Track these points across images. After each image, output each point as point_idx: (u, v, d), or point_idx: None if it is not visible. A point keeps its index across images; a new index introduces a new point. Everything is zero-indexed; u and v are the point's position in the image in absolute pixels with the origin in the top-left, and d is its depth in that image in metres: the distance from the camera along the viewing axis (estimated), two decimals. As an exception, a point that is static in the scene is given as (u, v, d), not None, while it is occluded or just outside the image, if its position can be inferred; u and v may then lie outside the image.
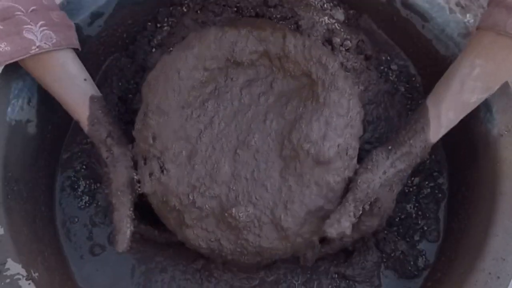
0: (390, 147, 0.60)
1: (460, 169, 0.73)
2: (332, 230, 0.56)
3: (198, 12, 0.74)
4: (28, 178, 0.67)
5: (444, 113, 0.59)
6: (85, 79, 0.63)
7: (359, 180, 0.58)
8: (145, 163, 0.62)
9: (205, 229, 0.60)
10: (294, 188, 0.59)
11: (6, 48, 0.56)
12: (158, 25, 0.78)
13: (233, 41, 0.61)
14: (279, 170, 0.59)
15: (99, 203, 0.74)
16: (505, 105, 0.65)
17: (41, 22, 0.57)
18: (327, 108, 0.59)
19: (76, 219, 0.73)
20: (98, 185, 0.75)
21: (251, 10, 0.72)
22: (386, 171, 0.59)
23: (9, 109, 0.64)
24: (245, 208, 0.58)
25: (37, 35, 0.56)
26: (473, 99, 0.59)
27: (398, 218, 0.73)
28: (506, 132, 0.64)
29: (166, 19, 0.77)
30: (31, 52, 0.56)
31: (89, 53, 0.74)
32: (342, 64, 0.69)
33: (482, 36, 0.57)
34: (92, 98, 0.62)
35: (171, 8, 0.77)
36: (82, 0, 0.71)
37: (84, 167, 0.76)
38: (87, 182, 0.75)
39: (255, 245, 0.60)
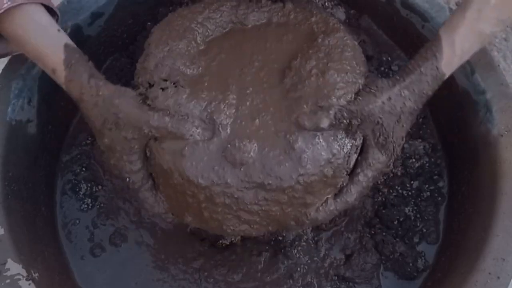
0: (397, 77, 0.58)
1: (460, 169, 0.73)
2: (305, 117, 0.55)
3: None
4: (28, 178, 0.67)
5: (458, 41, 0.57)
6: (58, 30, 0.59)
7: (359, 97, 0.57)
8: (151, 87, 0.58)
9: (209, 161, 0.54)
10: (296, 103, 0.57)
11: None
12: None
13: (235, 5, 0.64)
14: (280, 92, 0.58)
15: (101, 205, 0.74)
16: (505, 105, 0.65)
17: None
18: (324, 47, 0.60)
19: (77, 221, 0.73)
20: (100, 187, 0.75)
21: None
22: (392, 98, 0.57)
23: (9, 109, 0.64)
24: (249, 142, 0.54)
25: None
26: (487, 30, 0.58)
27: (396, 221, 0.73)
28: (506, 132, 0.64)
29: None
30: (4, 6, 0.54)
31: (89, 53, 0.74)
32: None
33: None
34: (67, 45, 0.58)
35: (170, 8, 0.77)
36: (82, 0, 0.71)
37: (84, 169, 0.75)
38: (88, 184, 0.75)
39: (262, 182, 0.54)
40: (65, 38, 0.59)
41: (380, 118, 0.56)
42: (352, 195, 0.59)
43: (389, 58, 0.78)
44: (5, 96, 0.64)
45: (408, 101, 0.57)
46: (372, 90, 0.57)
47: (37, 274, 0.60)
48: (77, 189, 0.74)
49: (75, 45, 0.59)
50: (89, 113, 0.57)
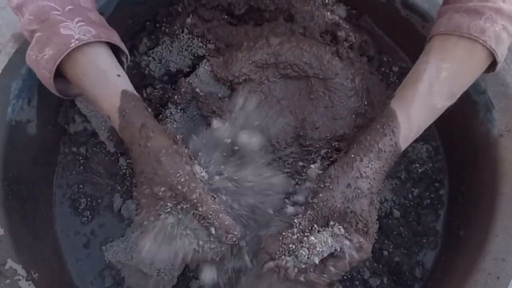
0: (353, 156, 0.54)
1: (460, 169, 0.73)
2: (269, 247, 0.52)
3: (190, 15, 0.74)
4: (28, 178, 0.67)
5: (415, 117, 0.55)
6: (118, 75, 0.57)
7: (315, 199, 0.52)
8: None
9: None
10: None
11: (49, 52, 0.54)
12: (157, 25, 0.78)
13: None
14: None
15: (100, 213, 0.74)
16: (505, 105, 0.65)
17: (77, 19, 0.55)
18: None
19: (77, 232, 0.73)
20: (99, 201, 0.74)
21: (245, 5, 0.72)
22: (352, 184, 0.52)
23: (9, 109, 0.64)
24: None
25: (74, 30, 0.54)
26: (439, 105, 0.56)
27: (396, 231, 0.73)
28: (506, 132, 0.64)
29: (165, 19, 0.77)
30: (71, 46, 0.53)
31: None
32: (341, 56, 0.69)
33: (445, 40, 0.57)
34: (125, 92, 0.56)
35: (170, 8, 0.77)
36: (82, 0, 0.71)
37: (81, 186, 0.75)
38: (88, 199, 0.74)
39: None
40: (124, 84, 0.57)
41: (348, 207, 0.52)
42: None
43: (390, 59, 0.78)
44: (5, 96, 0.64)
45: (373, 181, 0.53)
46: (327, 184, 0.53)
47: (37, 275, 0.60)
48: (77, 204, 0.74)
49: (134, 91, 0.57)
50: (134, 162, 0.55)
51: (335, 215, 0.52)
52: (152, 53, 0.75)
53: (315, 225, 0.52)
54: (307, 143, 0.66)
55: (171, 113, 0.68)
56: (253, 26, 0.73)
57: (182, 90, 0.68)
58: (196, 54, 0.73)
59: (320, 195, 0.53)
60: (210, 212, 0.51)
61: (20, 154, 0.66)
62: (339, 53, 0.68)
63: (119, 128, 0.55)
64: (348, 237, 0.52)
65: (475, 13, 0.55)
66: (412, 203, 0.74)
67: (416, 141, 0.76)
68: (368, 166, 0.53)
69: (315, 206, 0.52)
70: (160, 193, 0.52)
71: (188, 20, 0.74)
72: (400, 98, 0.57)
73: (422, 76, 0.56)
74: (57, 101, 0.72)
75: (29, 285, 0.59)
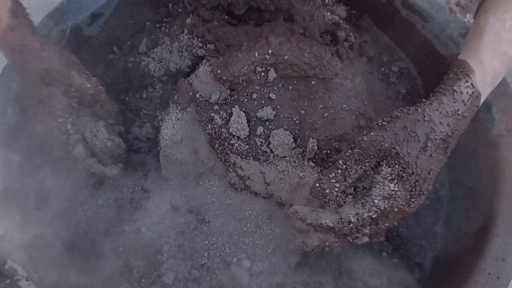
0: (424, 100, 0.50)
1: (460, 169, 0.73)
2: (315, 190, 0.49)
3: (190, 15, 0.74)
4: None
5: (487, 61, 0.51)
6: None
7: (365, 137, 0.48)
8: None
9: None
10: None
11: None
12: (157, 25, 0.78)
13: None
14: None
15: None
16: (505, 105, 0.65)
17: None
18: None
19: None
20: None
21: (245, 5, 0.72)
22: (409, 126, 0.48)
23: (9, 109, 0.64)
24: None
25: None
26: (511, 52, 0.53)
27: (395, 232, 0.72)
28: (506, 132, 0.64)
29: (165, 19, 0.77)
30: None
31: (89, 53, 0.74)
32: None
33: None
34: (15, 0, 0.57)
35: (170, 8, 0.77)
36: (82, 0, 0.71)
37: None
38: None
39: None
40: None
41: (394, 148, 0.48)
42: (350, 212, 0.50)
43: (390, 59, 0.78)
44: (5, 96, 0.64)
45: (438, 125, 0.48)
46: (384, 123, 0.49)
47: (37, 274, 0.60)
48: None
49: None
50: (28, 65, 0.57)
51: (380, 154, 0.48)
52: (152, 53, 0.75)
53: (361, 166, 0.48)
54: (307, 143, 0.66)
55: (171, 113, 0.68)
56: (253, 26, 0.73)
57: (182, 90, 0.68)
58: (196, 54, 0.73)
59: (372, 133, 0.48)
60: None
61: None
62: (339, 53, 0.68)
63: (7, 27, 0.56)
64: (379, 182, 0.48)
65: None
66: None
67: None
68: (437, 109, 0.49)
69: (363, 144, 0.48)
70: (72, 93, 0.60)
71: (188, 20, 0.74)
72: (466, 52, 0.54)
73: (485, 28, 0.53)
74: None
75: (29, 285, 0.58)
